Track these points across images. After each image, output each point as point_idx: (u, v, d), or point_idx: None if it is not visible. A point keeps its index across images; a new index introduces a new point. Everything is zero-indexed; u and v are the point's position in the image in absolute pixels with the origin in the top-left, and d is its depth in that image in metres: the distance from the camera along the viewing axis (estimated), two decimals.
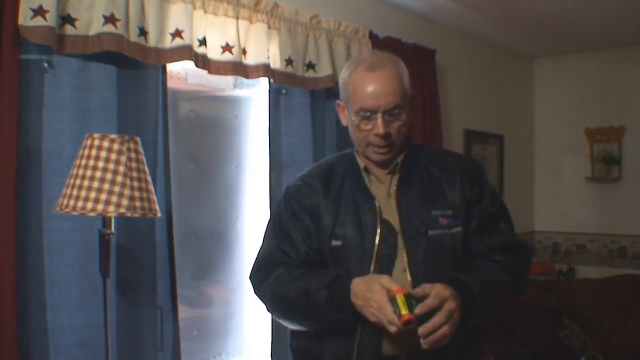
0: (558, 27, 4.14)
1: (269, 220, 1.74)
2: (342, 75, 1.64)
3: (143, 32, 2.17)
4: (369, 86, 1.55)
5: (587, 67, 4.79)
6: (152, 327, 2.20)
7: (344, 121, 1.68)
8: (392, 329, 1.37)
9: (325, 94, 2.93)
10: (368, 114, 1.55)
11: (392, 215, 1.58)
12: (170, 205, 2.29)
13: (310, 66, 2.79)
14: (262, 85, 2.79)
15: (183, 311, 2.40)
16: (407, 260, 1.53)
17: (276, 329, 2.62)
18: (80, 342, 2.04)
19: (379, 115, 1.54)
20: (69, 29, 2.01)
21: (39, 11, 1.90)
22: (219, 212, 2.74)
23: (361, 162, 1.66)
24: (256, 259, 1.68)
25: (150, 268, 2.20)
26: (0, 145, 1.84)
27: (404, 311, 1.35)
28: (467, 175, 1.66)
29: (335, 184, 1.65)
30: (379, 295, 1.39)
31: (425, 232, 1.55)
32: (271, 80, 2.67)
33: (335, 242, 1.58)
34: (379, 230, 1.55)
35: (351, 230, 1.57)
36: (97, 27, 2.04)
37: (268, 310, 1.66)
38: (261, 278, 1.63)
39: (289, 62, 2.69)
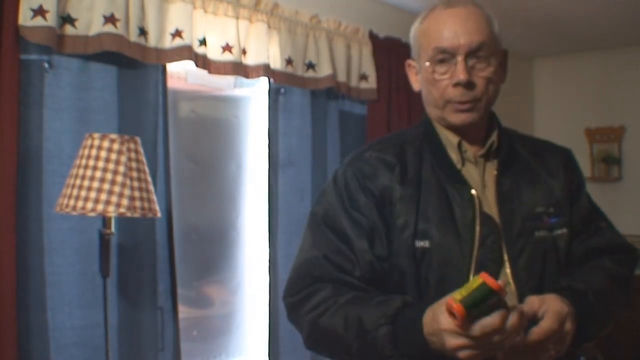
0: (558, 27, 4.14)
1: (310, 218, 1.27)
2: (413, 27, 1.29)
3: (143, 32, 2.17)
4: (446, 23, 1.20)
5: (587, 67, 4.79)
6: (153, 327, 2.20)
7: (415, 86, 1.31)
8: (452, 342, 0.97)
9: (326, 94, 2.93)
10: (445, 56, 1.20)
11: (488, 209, 1.21)
12: (170, 205, 2.29)
13: (310, 66, 2.79)
14: (262, 85, 2.79)
15: (183, 311, 2.40)
16: (510, 268, 1.18)
17: (274, 329, 2.62)
18: (80, 342, 2.04)
19: (460, 59, 1.18)
20: (69, 29, 2.01)
21: (39, 11, 1.90)
22: (219, 212, 2.74)
23: (452, 136, 1.25)
24: (292, 272, 1.23)
25: (150, 268, 2.20)
26: (0, 145, 1.84)
27: (457, 297, 0.94)
28: (565, 164, 1.34)
29: (411, 163, 1.24)
30: (445, 321, 0.97)
31: (531, 233, 1.21)
32: (271, 80, 2.67)
33: (420, 243, 1.17)
34: (478, 229, 1.17)
35: (439, 227, 1.18)
36: (97, 27, 2.04)
37: (306, 345, 1.22)
38: (298, 300, 1.18)
39: (289, 62, 2.69)
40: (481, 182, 1.24)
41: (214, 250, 2.72)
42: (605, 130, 4.67)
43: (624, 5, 3.63)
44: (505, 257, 1.18)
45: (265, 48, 2.57)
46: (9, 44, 1.86)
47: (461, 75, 1.18)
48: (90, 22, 2.04)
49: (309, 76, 2.79)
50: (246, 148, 2.84)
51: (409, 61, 1.32)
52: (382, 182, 1.21)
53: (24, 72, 1.91)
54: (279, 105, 2.75)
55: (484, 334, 0.94)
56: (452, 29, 1.20)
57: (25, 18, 1.88)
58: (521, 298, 1.13)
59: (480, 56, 1.20)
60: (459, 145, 1.25)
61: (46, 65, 1.98)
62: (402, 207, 1.19)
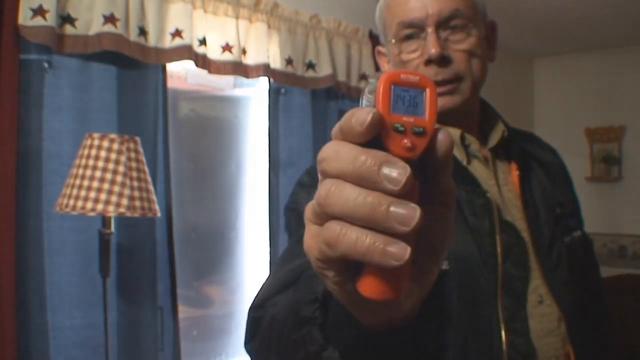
0: (558, 27, 4.14)
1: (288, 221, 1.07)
2: (378, 5, 1.10)
3: (143, 31, 2.17)
4: None
5: (587, 67, 4.79)
6: (153, 327, 2.20)
7: (384, 69, 1.11)
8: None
9: (326, 94, 2.93)
10: (412, 31, 1.01)
11: (509, 214, 1.01)
12: (170, 205, 2.29)
13: (310, 66, 2.79)
14: (262, 85, 2.79)
15: (183, 311, 2.40)
16: (546, 284, 0.97)
17: None
18: (80, 342, 2.04)
19: (430, 30, 0.98)
20: (68, 29, 2.01)
21: (39, 11, 1.90)
22: (219, 212, 2.74)
23: (450, 127, 1.02)
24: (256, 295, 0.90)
25: (150, 268, 2.20)
26: (0, 145, 1.84)
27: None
28: (564, 167, 1.19)
29: None
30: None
31: (561, 240, 1.03)
32: (271, 80, 2.67)
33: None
34: (498, 240, 0.95)
35: (457, 245, 0.89)
36: (97, 26, 2.04)
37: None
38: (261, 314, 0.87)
39: (289, 61, 2.69)
40: (495, 183, 1.02)
41: (214, 250, 2.72)
42: (605, 130, 4.68)
43: (624, 5, 3.63)
44: (538, 272, 0.97)
45: (265, 48, 2.57)
46: (8, 43, 1.86)
47: (432, 49, 0.97)
48: (90, 22, 2.04)
49: (309, 76, 2.79)
50: (246, 148, 2.84)
51: (379, 48, 1.13)
52: None
53: (24, 72, 1.91)
54: (279, 105, 2.75)
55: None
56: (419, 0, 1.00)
57: (25, 18, 1.88)
58: (566, 319, 0.96)
59: (456, 26, 1.00)
60: (462, 138, 1.03)
61: (46, 65, 1.98)
62: None
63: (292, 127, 2.79)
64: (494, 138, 1.06)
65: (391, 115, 0.44)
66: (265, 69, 2.57)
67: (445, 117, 1.01)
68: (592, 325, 1.05)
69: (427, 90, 0.45)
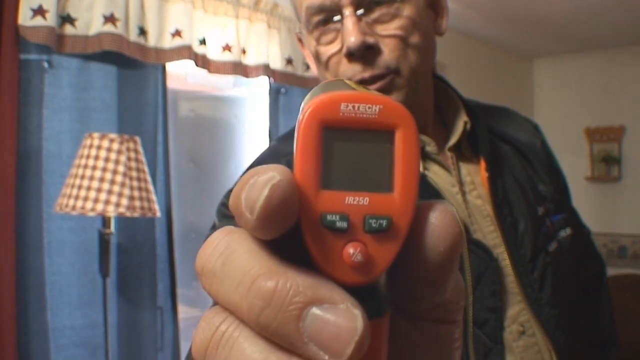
0: (558, 27, 4.14)
1: None
2: None
3: (143, 31, 2.17)
4: None
5: (587, 67, 4.79)
6: (152, 327, 2.20)
7: (312, 67, 0.89)
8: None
9: None
10: (325, 16, 0.78)
11: (479, 228, 0.82)
12: (170, 205, 2.29)
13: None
14: (262, 85, 2.80)
15: (183, 311, 2.40)
16: (530, 309, 0.80)
17: None
18: (80, 342, 2.04)
19: (347, 13, 0.75)
20: (68, 29, 2.01)
21: (39, 11, 1.90)
22: None
23: None
24: None
25: (150, 268, 2.20)
26: (0, 145, 1.84)
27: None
28: (543, 142, 0.98)
29: None
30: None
31: (546, 250, 0.83)
32: (271, 79, 2.67)
33: None
34: (467, 265, 0.78)
35: None
36: (96, 26, 2.04)
37: None
38: None
39: (289, 61, 2.70)
40: (459, 189, 0.83)
41: None
42: (605, 130, 4.68)
43: (624, 5, 3.63)
44: (520, 296, 0.80)
45: (265, 47, 2.57)
46: (8, 43, 1.86)
47: (351, 37, 0.74)
48: (90, 22, 2.04)
49: (309, 76, 2.79)
50: (246, 148, 2.84)
51: (297, 33, 0.89)
52: None
53: (24, 72, 1.91)
54: (279, 105, 2.75)
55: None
56: None
57: (25, 18, 1.88)
58: (558, 350, 0.79)
59: (380, 2, 0.76)
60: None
61: (46, 65, 1.98)
62: None
63: (292, 126, 2.79)
64: (455, 134, 0.85)
65: (320, 193, 0.23)
66: (265, 69, 2.57)
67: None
68: (591, 351, 0.91)
69: (398, 132, 0.23)
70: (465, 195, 0.84)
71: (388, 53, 0.76)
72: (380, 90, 0.75)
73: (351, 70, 0.77)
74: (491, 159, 0.86)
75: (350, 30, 0.74)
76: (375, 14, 0.76)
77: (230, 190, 0.74)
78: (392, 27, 0.76)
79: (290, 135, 0.91)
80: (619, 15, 3.83)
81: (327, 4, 0.76)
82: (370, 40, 0.75)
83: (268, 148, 0.92)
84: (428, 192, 0.79)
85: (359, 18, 0.75)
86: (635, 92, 4.57)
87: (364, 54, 0.75)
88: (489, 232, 0.82)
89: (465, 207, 0.83)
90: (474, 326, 0.76)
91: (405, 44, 0.77)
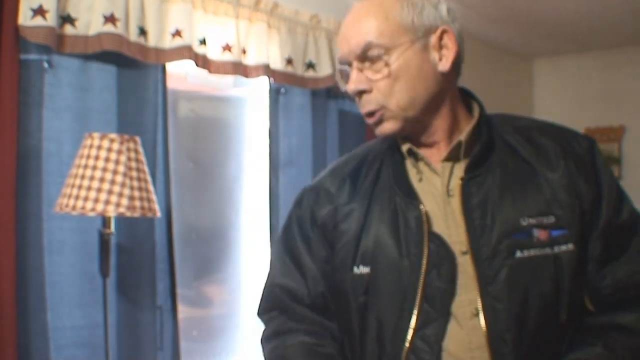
0: (558, 27, 4.14)
1: (278, 237, 1.25)
2: None
3: (143, 31, 2.17)
4: (343, 26, 1.08)
5: (587, 67, 4.79)
6: (152, 327, 2.20)
7: None
8: None
9: (326, 94, 2.93)
10: (345, 65, 1.08)
11: (453, 226, 1.03)
12: (170, 205, 2.29)
13: (310, 66, 2.79)
14: (262, 85, 2.79)
15: (183, 311, 2.40)
16: (481, 299, 0.99)
17: None
18: (80, 342, 2.04)
19: (353, 65, 1.05)
20: (68, 29, 2.01)
21: (39, 11, 1.89)
22: (219, 212, 2.74)
23: (403, 144, 1.09)
24: (263, 289, 1.22)
25: (150, 268, 2.20)
26: (0, 145, 1.84)
27: None
28: (575, 159, 1.05)
29: (366, 179, 1.11)
30: None
31: (509, 254, 0.99)
32: (271, 79, 2.67)
33: (358, 270, 1.05)
34: (426, 252, 1.01)
35: (387, 251, 1.04)
36: (97, 27, 2.04)
37: None
38: (264, 321, 1.22)
39: (289, 61, 2.70)
40: (445, 192, 1.05)
41: (214, 250, 2.71)
42: (605, 130, 4.68)
43: (624, 5, 3.63)
44: (474, 285, 0.99)
45: (265, 48, 2.57)
46: (8, 43, 1.86)
47: (349, 85, 1.05)
48: (90, 22, 2.04)
49: (309, 76, 2.79)
50: (246, 148, 2.84)
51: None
52: (327, 207, 1.12)
53: (24, 72, 1.91)
54: (279, 105, 2.75)
55: None
56: (343, 34, 1.06)
57: (25, 18, 1.88)
58: (494, 336, 0.97)
59: (372, 57, 1.02)
60: (411, 153, 1.08)
61: (46, 65, 1.98)
62: (346, 226, 1.09)
63: (292, 127, 2.79)
64: (447, 149, 1.08)
65: None
66: (265, 69, 2.57)
67: (401, 136, 1.09)
68: (549, 343, 1.01)
69: None
70: (450, 198, 1.05)
71: (377, 94, 1.03)
72: (377, 122, 1.05)
73: (358, 105, 1.07)
74: (476, 165, 1.05)
75: (350, 79, 1.05)
76: (372, 64, 1.03)
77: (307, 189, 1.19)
78: (381, 74, 1.02)
79: (351, 156, 1.19)
80: (619, 15, 3.83)
81: (344, 57, 1.06)
82: (362, 86, 1.04)
83: (328, 168, 1.20)
84: (409, 194, 1.05)
85: (360, 69, 1.04)
86: (635, 92, 4.57)
87: (361, 94, 1.04)
88: (455, 230, 1.03)
89: (444, 207, 1.05)
90: (422, 299, 1.00)
91: (391, 85, 1.02)
